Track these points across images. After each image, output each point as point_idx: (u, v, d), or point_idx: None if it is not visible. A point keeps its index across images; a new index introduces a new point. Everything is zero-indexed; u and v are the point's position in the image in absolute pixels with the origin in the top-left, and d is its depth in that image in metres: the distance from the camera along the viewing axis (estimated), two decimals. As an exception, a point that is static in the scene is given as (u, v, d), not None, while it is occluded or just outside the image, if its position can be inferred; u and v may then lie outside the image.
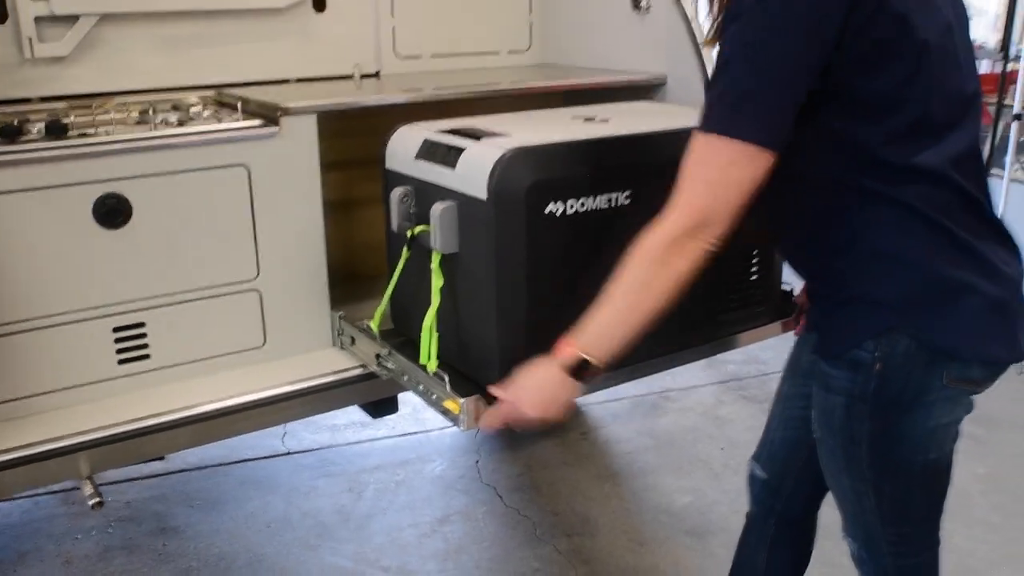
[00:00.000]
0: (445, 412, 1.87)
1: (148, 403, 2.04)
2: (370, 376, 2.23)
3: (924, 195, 1.41)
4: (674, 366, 2.26)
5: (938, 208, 1.42)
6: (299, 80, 2.72)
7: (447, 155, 1.87)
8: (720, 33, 1.42)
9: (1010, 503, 3.25)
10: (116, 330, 2.05)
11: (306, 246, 2.22)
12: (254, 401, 2.12)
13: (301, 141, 2.14)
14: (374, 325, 2.13)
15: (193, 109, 2.25)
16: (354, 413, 3.78)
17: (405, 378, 2.01)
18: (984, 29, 7.39)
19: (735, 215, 1.41)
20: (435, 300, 1.91)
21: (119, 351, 2.07)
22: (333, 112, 2.20)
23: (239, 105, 2.19)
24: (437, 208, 1.84)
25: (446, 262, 1.89)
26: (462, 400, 1.82)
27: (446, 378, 1.86)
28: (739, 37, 1.36)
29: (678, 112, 2.28)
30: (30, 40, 2.32)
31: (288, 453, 3.59)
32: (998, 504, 3.24)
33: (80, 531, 3.10)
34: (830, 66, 1.35)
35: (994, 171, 5.28)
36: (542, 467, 3.49)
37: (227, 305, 2.16)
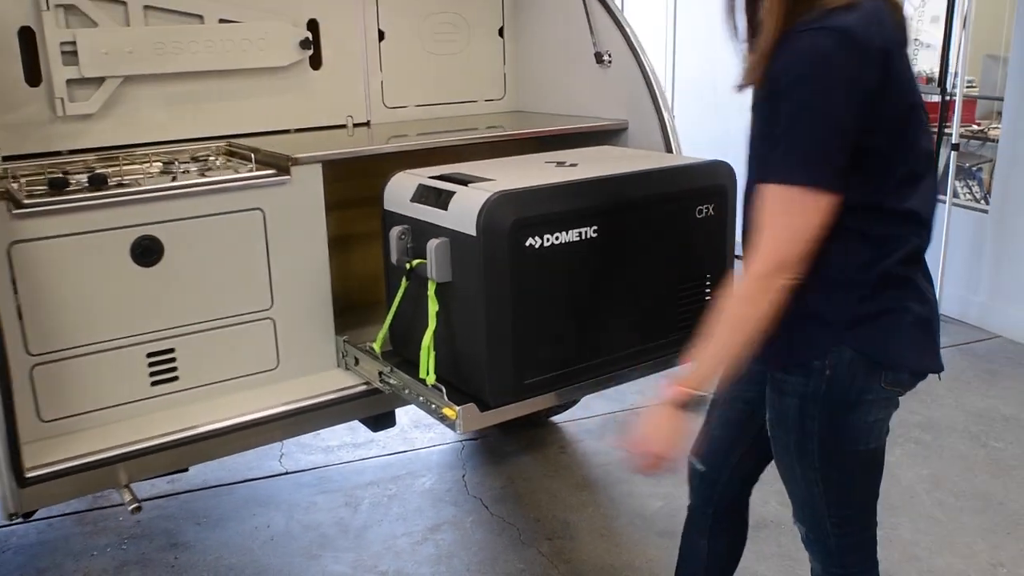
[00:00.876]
0: (443, 418, 2.19)
1: (178, 420, 2.31)
2: (371, 393, 2.51)
3: (883, 232, 1.67)
4: (645, 375, 2.55)
5: (893, 242, 1.68)
6: (298, 130, 3.02)
7: (440, 198, 2.18)
8: (755, 78, 1.64)
9: (951, 500, 3.56)
10: (149, 355, 2.33)
11: (313, 278, 2.50)
12: (270, 416, 2.40)
13: (308, 186, 2.44)
14: (376, 347, 2.42)
15: (210, 160, 2.54)
16: (347, 435, 4.08)
17: (407, 392, 2.30)
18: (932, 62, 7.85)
19: (810, 252, 1.61)
20: (432, 323, 2.21)
21: (152, 374, 2.34)
22: (335, 160, 2.50)
23: (252, 156, 2.48)
24: (433, 243, 2.14)
25: (441, 290, 2.20)
26: (458, 407, 2.14)
27: (443, 389, 2.17)
28: (793, 107, 1.58)
29: (637, 156, 2.61)
30: (62, 100, 2.60)
31: (287, 473, 3.84)
32: (940, 501, 3.55)
33: (95, 548, 3.33)
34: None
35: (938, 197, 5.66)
36: (524, 479, 3.76)
37: (245, 332, 2.44)
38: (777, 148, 1.59)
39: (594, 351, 2.22)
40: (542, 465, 3.87)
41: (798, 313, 1.71)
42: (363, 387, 2.50)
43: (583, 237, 2.16)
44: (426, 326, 2.22)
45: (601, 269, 2.23)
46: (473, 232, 2.05)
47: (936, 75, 7.54)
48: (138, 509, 2.21)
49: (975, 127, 6.13)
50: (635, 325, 2.33)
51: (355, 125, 3.13)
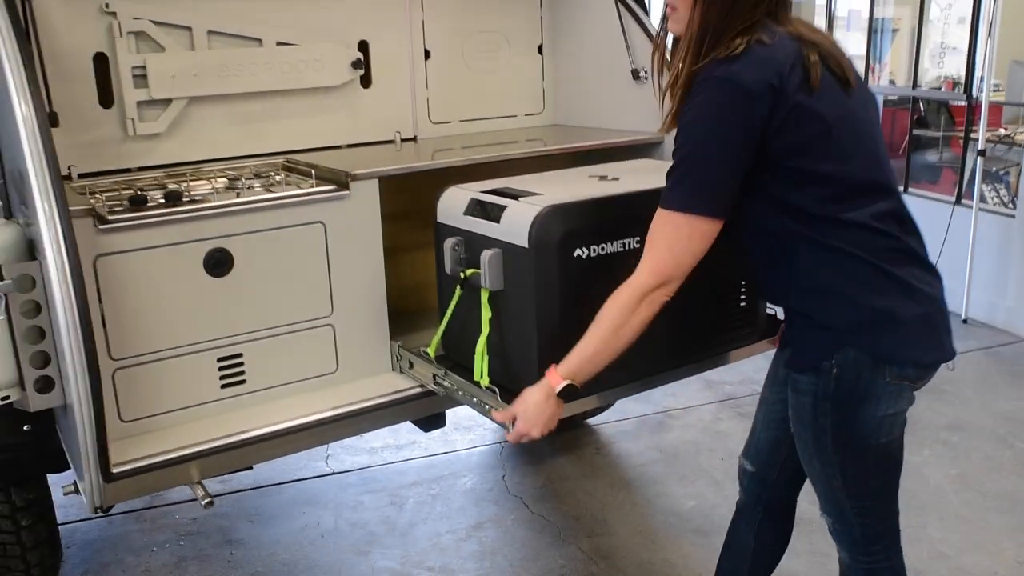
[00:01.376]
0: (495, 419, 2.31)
1: (245, 420, 2.47)
2: (424, 395, 2.66)
3: (851, 241, 1.84)
4: (681, 378, 2.70)
5: (864, 250, 1.84)
6: (349, 146, 3.18)
7: (492, 211, 2.32)
8: (673, 124, 1.88)
9: (979, 500, 3.67)
10: (220, 360, 2.48)
11: (370, 287, 2.66)
12: (330, 417, 2.54)
13: (366, 201, 2.59)
14: (431, 351, 2.57)
15: (272, 176, 2.71)
16: (390, 437, 4.23)
17: (460, 393, 2.45)
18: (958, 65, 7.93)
19: (689, 272, 1.86)
20: (485, 328, 2.36)
21: (222, 377, 2.50)
22: (391, 175, 2.65)
23: (312, 172, 2.63)
24: (486, 254, 2.29)
25: (493, 298, 2.34)
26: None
27: (496, 391, 2.31)
28: (688, 139, 1.81)
29: None
30: (133, 121, 2.77)
31: (333, 473, 4.00)
32: (968, 500, 3.66)
33: (155, 544, 3.50)
34: (764, 152, 1.79)
35: (964, 202, 5.76)
36: (562, 479, 3.90)
37: (307, 338, 2.59)
38: (671, 178, 1.83)
39: (635, 355, 2.36)
40: (579, 466, 4.01)
41: (805, 321, 1.93)
42: (417, 389, 2.64)
43: (627, 247, 2.29)
44: (479, 332, 2.36)
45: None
46: (525, 244, 2.20)
47: (962, 79, 7.64)
48: (211, 504, 2.36)
49: (1002, 132, 6.20)
50: (674, 331, 2.45)
51: (403, 140, 3.29)
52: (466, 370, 2.46)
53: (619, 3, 3.21)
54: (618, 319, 1.89)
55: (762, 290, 2.08)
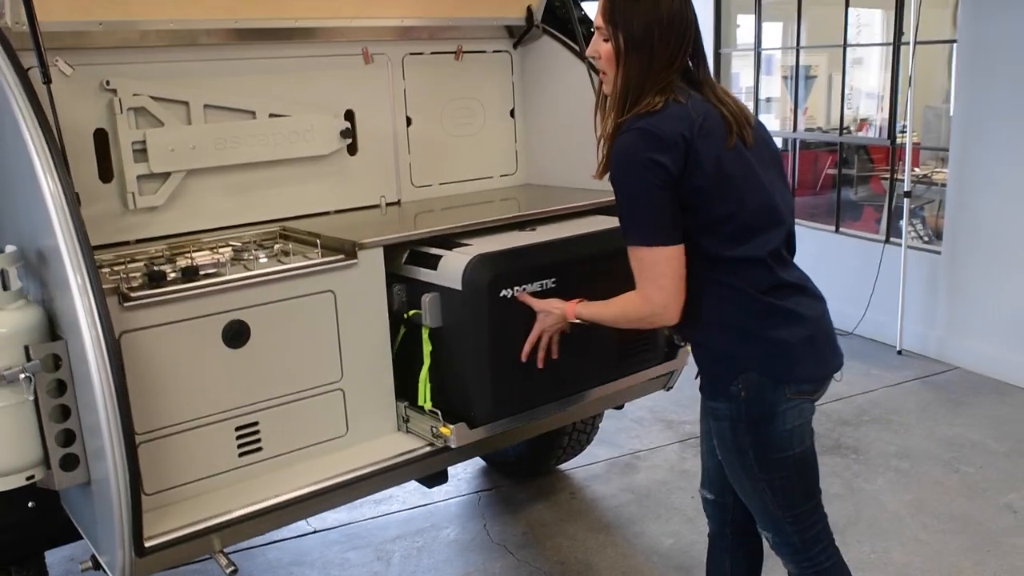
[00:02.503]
0: (439, 436, 2.71)
1: (263, 488, 2.53)
2: (429, 454, 2.76)
3: (745, 279, 2.10)
4: (598, 408, 3.21)
5: (756, 288, 2.10)
6: (338, 211, 3.28)
7: (430, 261, 2.69)
8: (605, 171, 2.16)
9: (934, 523, 3.90)
10: (237, 429, 2.54)
11: (377, 350, 2.75)
12: (344, 481, 2.61)
13: (372, 268, 2.69)
14: (422, 401, 2.78)
15: (275, 246, 2.79)
16: (368, 491, 4.27)
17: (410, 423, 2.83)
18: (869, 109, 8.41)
19: (679, 293, 2.09)
20: (426, 360, 2.72)
21: (239, 445, 2.55)
22: (395, 243, 2.76)
23: (318, 241, 2.72)
24: (426, 297, 2.66)
25: (433, 334, 2.68)
26: (452, 426, 2.67)
27: (439, 413, 2.72)
28: (622, 187, 2.07)
29: (592, 222, 3.03)
30: (133, 195, 2.82)
31: (315, 531, 4.03)
32: (924, 524, 3.89)
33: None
34: (679, 196, 2.04)
35: (893, 240, 6.11)
36: (541, 525, 4.00)
37: (319, 403, 2.67)
38: (623, 220, 2.11)
39: (555, 379, 2.73)
40: (557, 511, 4.12)
41: (712, 353, 2.22)
42: (424, 449, 2.74)
43: (544, 288, 2.66)
44: (423, 364, 2.70)
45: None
46: (459, 287, 2.57)
47: (873, 120, 8.09)
48: (235, 572, 2.41)
49: (917, 171, 6.59)
50: (587, 358, 2.85)
51: (388, 204, 3.40)
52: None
53: (590, 67, 3.39)
54: (617, 316, 2.25)
55: (680, 330, 2.29)
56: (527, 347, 2.56)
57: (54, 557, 3.26)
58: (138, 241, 2.89)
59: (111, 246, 2.83)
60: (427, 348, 2.70)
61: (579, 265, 2.75)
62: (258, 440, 2.58)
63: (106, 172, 2.81)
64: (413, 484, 3.72)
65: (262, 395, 2.56)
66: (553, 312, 2.50)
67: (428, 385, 2.74)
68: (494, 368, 2.66)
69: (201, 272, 2.47)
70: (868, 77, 8.86)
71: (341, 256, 2.64)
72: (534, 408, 2.83)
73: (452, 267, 2.62)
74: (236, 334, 2.47)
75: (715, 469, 2.45)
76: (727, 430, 2.21)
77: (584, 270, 2.74)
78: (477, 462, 4.53)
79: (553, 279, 2.68)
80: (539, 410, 2.85)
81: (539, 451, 4.23)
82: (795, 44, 6.92)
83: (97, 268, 2.14)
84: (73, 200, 2.16)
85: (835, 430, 4.89)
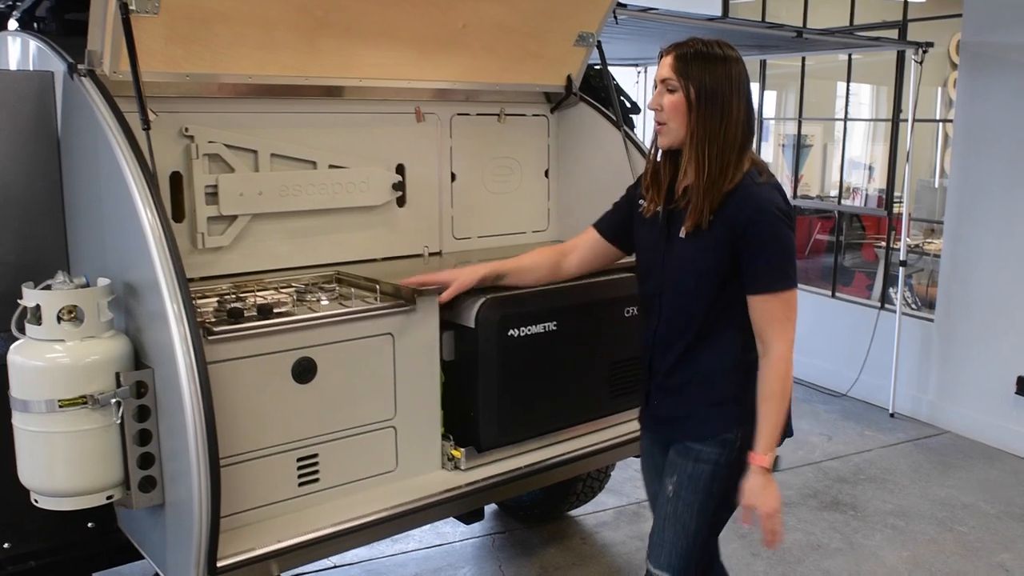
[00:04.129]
0: (452, 458, 2.99)
1: (319, 518, 2.67)
2: (468, 494, 2.92)
3: (749, 331, 2.33)
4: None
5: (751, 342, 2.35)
6: (384, 259, 3.46)
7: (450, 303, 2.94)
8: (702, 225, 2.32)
9: (931, 579, 4.09)
10: (299, 460, 2.70)
11: (427, 391, 2.92)
12: (392, 515, 2.76)
13: (428, 314, 2.87)
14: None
15: (337, 289, 2.97)
16: (386, 529, 4.39)
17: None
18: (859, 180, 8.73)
19: None
20: (439, 390, 2.98)
21: (299, 475, 2.71)
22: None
23: (377, 287, 2.90)
24: (443, 333, 2.96)
25: (446, 366, 2.97)
26: (463, 449, 2.97)
27: (451, 437, 3.03)
28: (781, 239, 2.29)
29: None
30: (202, 235, 3.00)
31: (335, 567, 4.15)
32: (922, 580, 4.07)
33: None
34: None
35: (888, 306, 6.35)
36: (555, 568, 4.14)
37: (372, 439, 2.83)
38: (775, 265, 2.28)
39: (555, 411, 3.12)
40: (569, 555, 4.26)
41: (720, 396, 2.39)
42: (466, 488, 2.91)
43: (546, 329, 3.05)
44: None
45: (557, 353, 3.10)
46: (472, 324, 2.89)
47: (865, 189, 8.40)
48: (293, 596, 2.55)
49: (907, 241, 6.86)
50: (583, 392, 3.25)
51: (430, 254, 3.59)
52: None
53: (626, 134, 3.62)
54: (783, 388, 2.30)
55: (669, 368, 2.46)
56: (774, 539, 2.33)
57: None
58: (202, 279, 3.05)
59: (179, 283, 2.99)
60: (440, 379, 2.97)
61: (576, 310, 3.15)
62: (316, 471, 2.74)
63: (178, 212, 2.98)
64: (428, 525, 3.90)
65: (323, 429, 2.72)
66: (756, 491, 2.32)
67: (441, 412, 2.99)
68: (500, 398, 3.00)
69: (274, 311, 2.64)
70: (855, 148, 9.21)
71: (401, 301, 2.82)
72: (533, 437, 3.15)
73: (467, 307, 2.93)
74: (305, 370, 2.64)
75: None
76: (706, 473, 2.38)
77: (581, 315, 3.15)
78: (490, 506, 4.67)
79: (554, 322, 3.07)
80: (537, 439, 3.16)
81: (554, 496, 4.39)
82: (797, 115, 7.21)
83: (192, 302, 2.31)
84: (171, 236, 2.34)
85: (833, 487, 5.08)
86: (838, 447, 5.69)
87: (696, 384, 2.42)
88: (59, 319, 2.33)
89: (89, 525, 2.80)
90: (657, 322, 2.45)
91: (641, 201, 2.52)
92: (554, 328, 3.07)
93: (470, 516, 3.11)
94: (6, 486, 2.50)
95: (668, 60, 2.32)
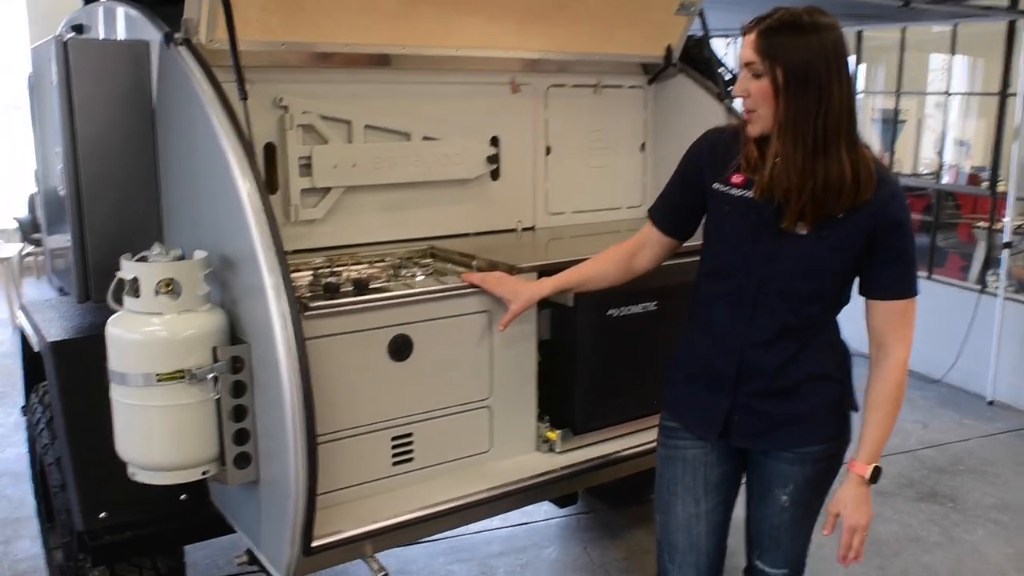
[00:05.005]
0: (546, 440, 2.92)
1: (413, 498, 2.62)
2: (563, 478, 2.83)
3: None
4: None
5: None
6: (477, 233, 3.38)
7: None
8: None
9: (1037, 578, 3.89)
10: (393, 438, 2.64)
11: (523, 371, 2.84)
12: (486, 498, 2.69)
13: (526, 292, 2.78)
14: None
15: (432, 264, 2.90)
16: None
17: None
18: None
19: None
20: (535, 371, 2.89)
21: (394, 455, 2.65)
22: (548, 268, 2.84)
23: (473, 264, 2.82)
24: (541, 312, 2.84)
25: (542, 346, 2.88)
26: (558, 431, 2.88)
27: (546, 418, 2.93)
28: (912, 243, 2.15)
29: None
30: (296, 207, 2.95)
31: (419, 541, 4.11)
32: (1029, 579, 3.88)
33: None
34: None
35: (988, 290, 6.07)
36: (642, 552, 4.05)
37: (467, 418, 2.76)
38: (910, 269, 2.14)
39: (652, 393, 2.81)
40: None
41: (837, 394, 2.26)
42: (561, 472, 2.82)
43: (645, 310, 2.94)
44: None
45: (657, 333, 2.93)
46: (571, 304, 2.72)
47: (962, 167, 8.04)
48: (385, 575, 2.50)
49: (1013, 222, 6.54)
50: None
51: (523, 229, 3.49)
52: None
53: (728, 108, 3.47)
54: (899, 397, 2.18)
55: (775, 369, 2.24)
56: (852, 557, 2.21)
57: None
58: (296, 251, 3.00)
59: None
60: (536, 359, 2.87)
61: (678, 290, 2.82)
62: (411, 451, 2.68)
63: (272, 184, 2.93)
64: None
65: (418, 408, 2.66)
66: (848, 500, 2.19)
67: (536, 393, 2.89)
68: (598, 379, 2.91)
69: (370, 286, 2.57)
70: (949, 124, 8.83)
71: (499, 279, 2.73)
72: (626, 421, 3.04)
73: None
74: (401, 347, 2.57)
75: (716, 548, 2.43)
76: (821, 473, 2.27)
77: (682, 295, 2.82)
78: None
79: (655, 302, 2.95)
80: (630, 423, 3.05)
81: (641, 477, 4.27)
82: (895, 89, 6.92)
83: (289, 273, 2.25)
84: (269, 207, 2.28)
85: (930, 477, 4.88)
86: (934, 435, 5.47)
87: (812, 384, 2.24)
88: (156, 292, 2.29)
89: (182, 498, 2.78)
90: (751, 320, 2.20)
91: (721, 186, 2.23)
92: (654, 308, 2.96)
93: (564, 499, 3.04)
94: (103, 457, 2.49)
95: (750, 39, 2.04)
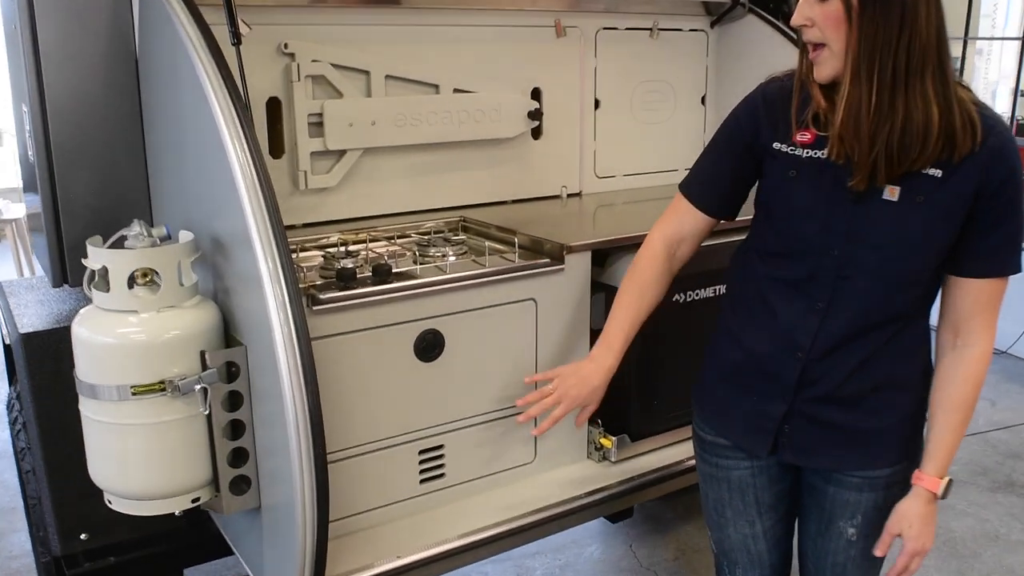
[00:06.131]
0: (599, 447, 2.51)
1: (444, 524, 2.22)
2: (620, 494, 2.42)
3: None
4: None
5: None
6: (515, 201, 2.93)
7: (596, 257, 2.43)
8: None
9: None
10: (421, 452, 2.23)
11: (575, 367, 2.40)
12: (531, 523, 2.28)
13: (578, 274, 2.34)
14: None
15: (461, 239, 2.46)
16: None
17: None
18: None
19: None
20: None
21: (422, 471, 2.24)
22: (602, 247, 2.40)
23: (515, 240, 2.38)
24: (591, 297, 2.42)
25: (594, 337, 2.27)
26: (614, 437, 2.47)
27: (600, 423, 2.51)
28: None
29: None
30: (305, 173, 2.51)
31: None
32: None
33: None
34: None
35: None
36: (694, 551, 3.65)
37: (508, 426, 2.34)
38: (1015, 240, 1.68)
39: None
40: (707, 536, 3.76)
41: (917, 405, 1.82)
42: (618, 487, 2.41)
43: (716, 294, 2.46)
44: None
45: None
46: None
47: None
48: (413, 618, 2.10)
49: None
50: None
51: (568, 196, 3.05)
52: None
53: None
54: (974, 400, 1.78)
55: (846, 375, 1.82)
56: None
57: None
58: (305, 225, 2.57)
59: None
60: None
61: None
62: (442, 466, 2.27)
63: (276, 147, 2.49)
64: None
65: (450, 415, 2.25)
66: (912, 517, 1.82)
67: None
68: (660, 376, 2.49)
69: (394, 272, 2.14)
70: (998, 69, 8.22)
71: (547, 260, 2.29)
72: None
73: (622, 265, 2.35)
74: (430, 345, 2.15)
75: (779, 560, 2.06)
76: (892, 498, 1.83)
77: None
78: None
79: (723, 286, 2.29)
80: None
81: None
82: (963, 35, 6.36)
83: (292, 262, 1.82)
84: (266, 176, 1.84)
85: (1005, 464, 4.44)
86: (1005, 415, 5.01)
87: (891, 392, 1.81)
88: (132, 283, 1.86)
89: (176, 513, 2.38)
90: (826, 312, 1.76)
91: (781, 145, 1.78)
92: (723, 292, 2.48)
93: (619, 514, 2.62)
94: (84, 471, 2.09)
95: None
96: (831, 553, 1.94)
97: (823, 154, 1.70)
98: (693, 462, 2.43)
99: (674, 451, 2.55)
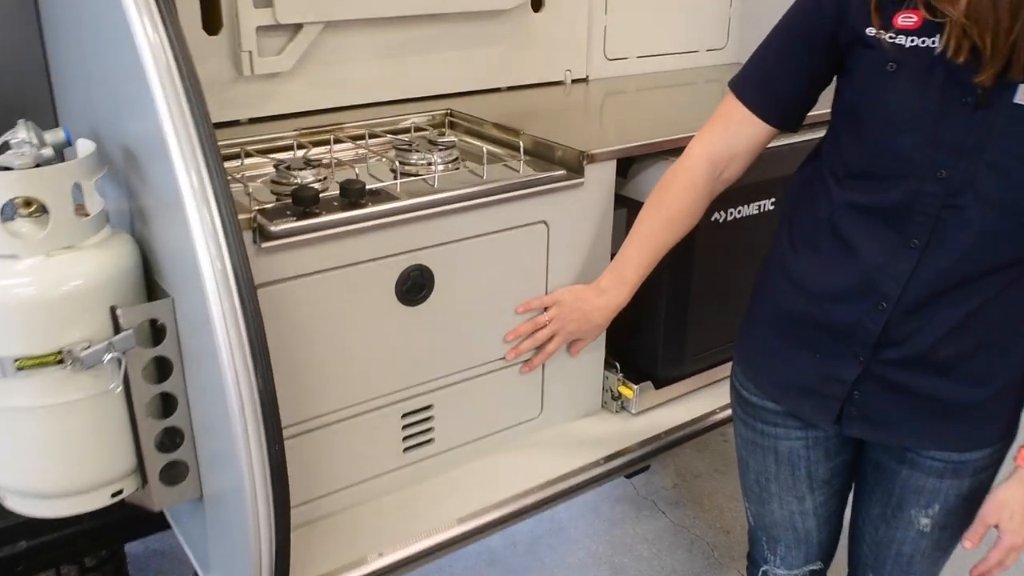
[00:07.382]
0: (617, 396, 2.10)
1: (433, 501, 1.80)
2: (642, 457, 2.04)
3: None
4: None
5: None
6: (510, 88, 2.42)
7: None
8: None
9: None
10: (405, 415, 1.79)
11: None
12: (539, 500, 1.88)
13: (601, 188, 1.87)
14: None
15: (458, 143, 1.95)
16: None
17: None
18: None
19: None
20: None
21: (405, 438, 1.80)
22: (631, 154, 1.92)
23: (520, 144, 1.88)
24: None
25: None
26: (636, 386, 2.07)
27: (618, 367, 2.08)
28: None
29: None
30: (249, 54, 1.97)
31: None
32: None
33: None
34: None
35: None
36: (694, 477, 3.33)
37: (509, 377, 1.90)
38: None
39: None
40: (710, 460, 3.45)
41: (1000, 383, 1.45)
42: (639, 450, 2.02)
43: (761, 210, 2.06)
44: None
45: None
46: None
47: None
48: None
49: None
50: None
51: (573, 81, 2.53)
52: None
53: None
54: None
55: (944, 333, 1.45)
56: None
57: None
58: (252, 121, 2.05)
59: (218, 127, 1.98)
60: None
61: None
62: (430, 430, 1.83)
63: (212, 19, 1.94)
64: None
65: (441, 369, 1.80)
66: (1016, 506, 1.49)
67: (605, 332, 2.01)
68: (691, 312, 2.07)
69: (367, 191, 1.64)
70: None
71: (562, 172, 1.80)
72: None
73: (651, 176, 1.92)
74: (416, 285, 1.68)
75: (828, 536, 1.79)
76: (986, 481, 1.54)
77: None
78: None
79: (773, 199, 2.05)
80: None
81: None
82: None
83: (226, 175, 1.31)
84: (187, 60, 1.31)
85: None
86: None
87: (993, 357, 1.43)
88: (9, 216, 1.35)
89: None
90: (926, 250, 1.37)
91: (880, 32, 1.35)
92: (772, 207, 2.06)
93: (634, 471, 2.22)
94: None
95: None
96: (897, 543, 1.62)
97: (934, 43, 1.28)
98: (728, 412, 2.06)
99: (705, 399, 2.16)
